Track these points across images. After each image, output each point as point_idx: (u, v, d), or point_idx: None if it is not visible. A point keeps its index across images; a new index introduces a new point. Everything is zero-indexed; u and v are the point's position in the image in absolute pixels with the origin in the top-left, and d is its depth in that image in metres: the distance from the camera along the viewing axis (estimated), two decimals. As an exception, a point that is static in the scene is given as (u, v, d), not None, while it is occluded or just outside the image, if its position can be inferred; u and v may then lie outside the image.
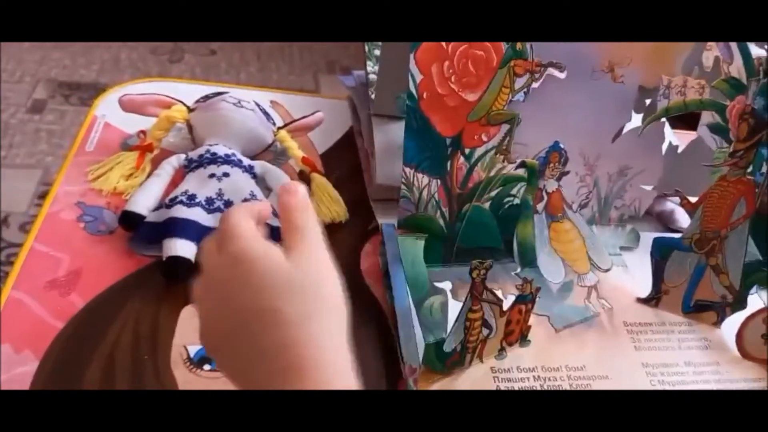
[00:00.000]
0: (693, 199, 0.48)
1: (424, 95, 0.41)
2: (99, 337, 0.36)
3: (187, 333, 0.38)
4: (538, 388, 0.38)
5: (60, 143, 1.41)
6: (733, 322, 0.43)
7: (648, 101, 0.47)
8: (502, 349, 0.40)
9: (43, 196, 1.28)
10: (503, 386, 0.38)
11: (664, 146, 0.49)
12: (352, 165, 0.54)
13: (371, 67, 0.55)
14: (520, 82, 0.43)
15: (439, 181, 0.42)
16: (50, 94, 1.55)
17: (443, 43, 0.41)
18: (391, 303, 0.41)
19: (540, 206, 0.44)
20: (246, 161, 0.47)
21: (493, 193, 0.44)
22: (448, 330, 0.37)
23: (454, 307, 0.38)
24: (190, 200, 0.42)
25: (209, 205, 0.43)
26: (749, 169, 0.43)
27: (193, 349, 0.37)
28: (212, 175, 0.44)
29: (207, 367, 0.36)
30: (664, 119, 0.48)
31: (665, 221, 0.54)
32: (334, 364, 0.25)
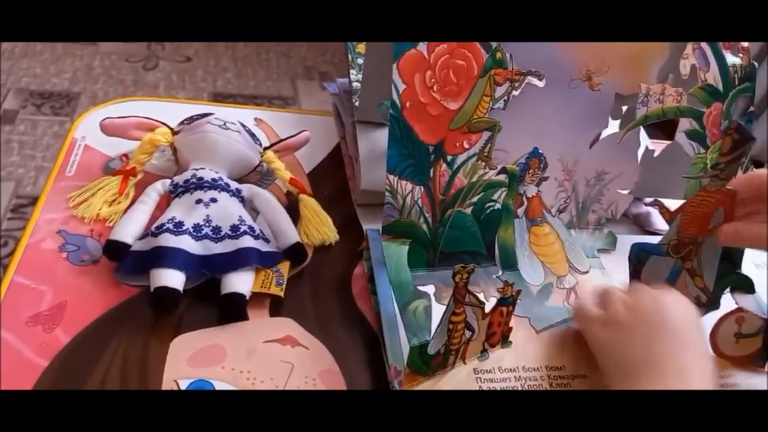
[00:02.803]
0: (669, 203, 0.49)
1: (407, 104, 0.41)
2: (86, 374, 0.35)
3: (177, 366, 0.37)
4: (519, 388, 0.39)
5: (32, 154, 1.38)
6: (708, 322, 0.44)
7: (624, 108, 0.48)
8: (484, 351, 0.41)
9: (15, 209, 1.25)
10: (485, 386, 0.39)
11: (641, 152, 0.50)
12: (339, 183, 0.54)
13: (354, 75, 0.56)
14: (500, 91, 0.44)
15: (422, 188, 0.43)
16: (21, 104, 1.51)
17: (425, 53, 0.42)
18: (376, 308, 0.41)
19: (520, 211, 0.45)
20: (233, 185, 0.46)
21: (475, 199, 0.45)
22: (432, 333, 0.37)
23: (438, 311, 0.39)
24: (177, 228, 0.41)
25: (197, 233, 0.42)
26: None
27: (184, 383, 0.36)
28: (199, 201, 0.43)
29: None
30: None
31: (642, 223, 0.55)
32: None
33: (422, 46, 0.42)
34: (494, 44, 0.44)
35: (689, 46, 0.47)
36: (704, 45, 0.47)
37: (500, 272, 0.44)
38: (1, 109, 1.48)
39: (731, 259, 0.44)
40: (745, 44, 0.48)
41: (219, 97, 1.70)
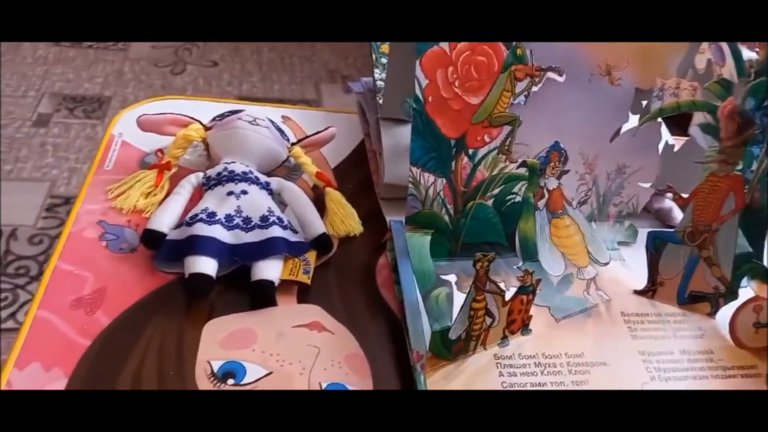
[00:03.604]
0: (686, 195, 0.50)
1: (430, 99, 0.43)
2: (126, 353, 0.37)
3: (210, 348, 0.39)
4: (539, 374, 0.40)
5: (65, 156, 1.43)
6: (727, 311, 0.44)
7: (644, 102, 0.49)
8: (504, 338, 0.42)
9: (50, 208, 1.29)
10: (505, 372, 0.40)
11: (661, 145, 0.51)
12: (363, 178, 0.56)
13: (378, 74, 0.58)
14: (520, 86, 0.45)
15: (444, 180, 0.44)
16: (55, 107, 1.56)
17: (447, 50, 0.43)
18: (399, 296, 0.43)
19: (541, 203, 0.46)
20: (263, 178, 0.48)
21: (495, 191, 0.46)
22: (454, 319, 0.39)
23: (459, 298, 0.40)
24: (210, 218, 0.43)
25: (228, 222, 0.44)
26: (739, 166, 0.44)
27: (217, 364, 0.38)
28: (230, 193, 0.45)
29: (231, 381, 0.37)
30: (660, 119, 0.50)
31: (663, 218, 0.55)
32: None
33: (444, 44, 0.44)
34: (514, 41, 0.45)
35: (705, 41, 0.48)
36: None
37: (521, 263, 0.45)
38: (36, 113, 1.54)
39: (755, 248, 0.45)
40: (763, 39, 0.48)
41: (245, 101, 1.73)
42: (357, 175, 0.56)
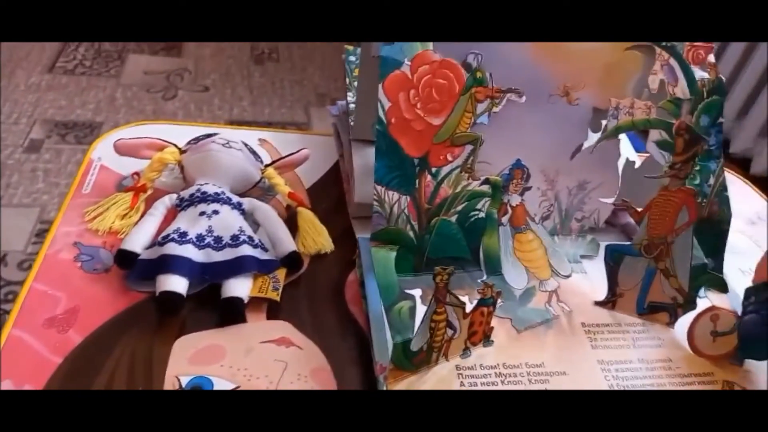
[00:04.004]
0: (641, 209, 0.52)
1: (392, 120, 0.44)
2: (96, 370, 0.39)
3: (179, 364, 0.40)
4: (499, 384, 0.41)
5: (56, 182, 1.44)
6: (685, 321, 0.45)
7: (603, 121, 0.51)
8: (466, 349, 0.43)
9: (40, 234, 1.30)
10: (467, 382, 0.41)
11: (622, 162, 0.52)
12: (337, 198, 0.57)
13: (351, 97, 0.60)
14: (481, 107, 0.47)
15: (408, 198, 0.46)
16: (47, 133, 1.58)
17: (408, 74, 0.45)
18: (365, 310, 0.44)
19: (505, 219, 0.48)
20: (235, 198, 0.49)
21: (459, 208, 0.47)
22: (415, 331, 0.40)
23: (423, 311, 0.41)
24: (182, 237, 0.45)
25: (200, 242, 0.45)
26: (696, 180, 0.46)
27: (185, 379, 0.39)
28: (202, 213, 0.47)
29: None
30: (620, 137, 0.52)
31: (630, 232, 0.57)
32: None
33: (406, 67, 0.45)
34: (474, 64, 0.47)
35: (657, 63, 0.50)
36: (672, 61, 0.50)
37: (485, 276, 0.47)
38: (28, 139, 1.56)
39: (714, 260, 0.46)
40: (713, 59, 0.50)
41: (235, 124, 1.76)
42: (331, 195, 0.58)
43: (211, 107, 1.82)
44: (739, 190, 0.71)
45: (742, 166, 1.56)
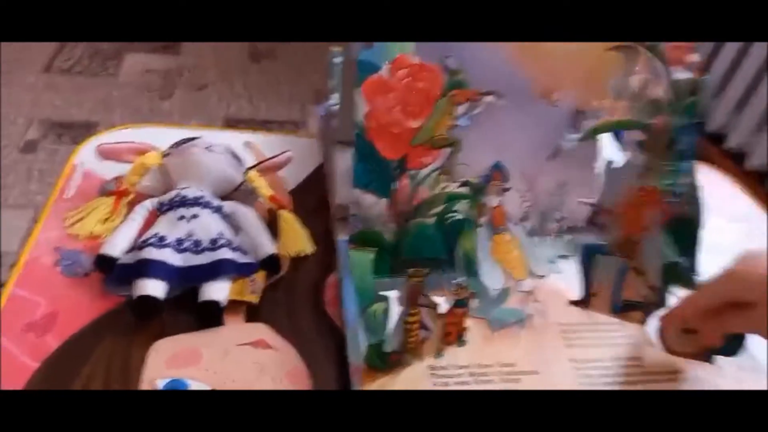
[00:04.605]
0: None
1: (370, 124, 0.45)
2: (73, 374, 0.39)
3: (156, 367, 0.40)
4: (471, 383, 0.41)
5: (52, 182, 1.45)
6: (657, 319, 0.46)
7: (583, 122, 0.51)
8: (440, 350, 0.43)
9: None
10: (439, 381, 0.41)
11: (602, 163, 0.53)
12: (320, 200, 0.57)
13: (335, 99, 0.60)
14: (461, 110, 0.47)
15: (386, 200, 0.46)
16: (43, 134, 1.59)
17: (387, 77, 0.45)
18: (342, 311, 0.44)
19: (483, 220, 0.48)
20: (215, 202, 0.50)
21: (437, 210, 0.48)
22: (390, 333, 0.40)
23: (398, 313, 0.42)
24: (160, 242, 0.45)
25: (179, 246, 0.46)
26: (668, 180, 0.47)
27: (162, 382, 0.39)
28: (182, 217, 0.47)
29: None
30: (600, 138, 0.52)
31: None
32: None
33: (384, 71, 0.46)
34: (453, 67, 0.47)
35: (640, 63, 0.50)
36: (654, 61, 0.50)
37: (462, 278, 0.47)
38: (24, 140, 1.56)
39: (688, 259, 0.46)
40: (694, 60, 0.51)
41: (232, 122, 1.76)
42: (314, 197, 0.58)
43: (208, 105, 1.83)
44: (725, 189, 0.71)
45: (737, 161, 1.56)
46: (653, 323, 0.47)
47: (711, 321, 0.40)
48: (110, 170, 0.54)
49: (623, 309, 0.48)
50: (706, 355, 0.45)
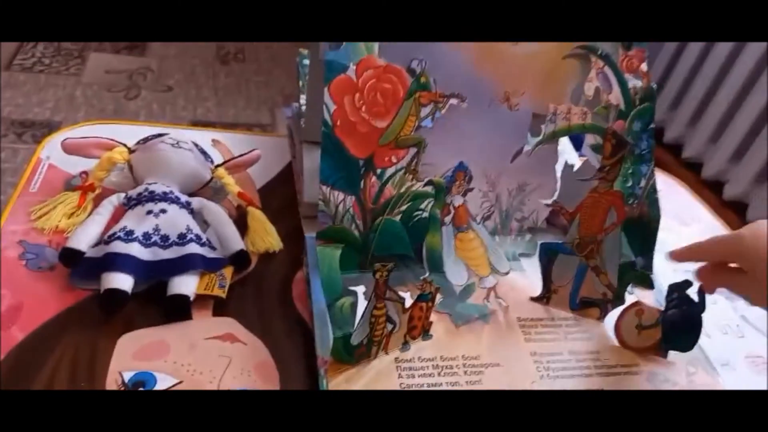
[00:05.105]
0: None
1: (338, 122, 0.46)
2: (38, 366, 0.39)
3: (122, 360, 0.40)
4: (436, 375, 0.43)
5: (12, 182, 1.41)
6: (613, 316, 0.48)
7: (542, 126, 0.53)
8: (405, 343, 0.45)
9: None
10: (404, 374, 0.43)
11: (561, 165, 0.55)
12: (288, 197, 0.58)
13: (303, 99, 0.61)
14: (425, 111, 0.48)
15: (353, 197, 0.47)
16: (3, 132, 1.55)
17: (353, 77, 0.46)
18: (310, 306, 0.45)
19: (447, 219, 0.50)
20: (183, 198, 0.50)
21: (403, 208, 0.49)
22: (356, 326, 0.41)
23: (364, 307, 0.43)
24: (128, 236, 0.45)
25: (146, 240, 0.46)
26: (628, 183, 0.49)
27: (128, 374, 0.40)
28: (150, 212, 0.47)
29: (140, 389, 0.39)
30: (560, 141, 0.54)
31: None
32: None
33: (351, 72, 0.47)
34: (418, 69, 0.49)
35: (593, 71, 0.53)
36: (607, 69, 0.53)
37: (427, 274, 0.49)
38: (-17, 138, 1.52)
39: (644, 258, 0.49)
40: (645, 68, 0.53)
41: (198, 125, 1.75)
42: (282, 194, 0.59)
43: (175, 107, 1.81)
44: (681, 195, 0.75)
45: (695, 170, 1.62)
46: (610, 319, 0.49)
47: (711, 273, 0.43)
48: (76, 165, 0.54)
49: (581, 306, 0.50)
50: (659, 349, 0.47)
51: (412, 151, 0.50)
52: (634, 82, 0.53)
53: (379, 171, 0.49)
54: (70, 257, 0.45)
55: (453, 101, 0.51)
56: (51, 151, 0.56)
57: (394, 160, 0.49)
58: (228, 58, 2.07)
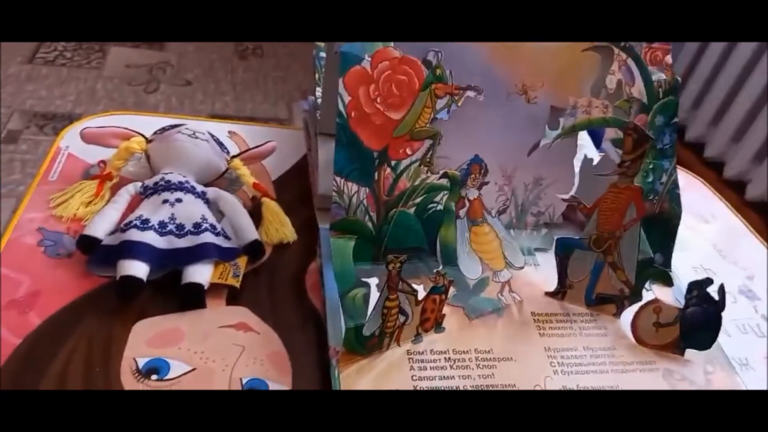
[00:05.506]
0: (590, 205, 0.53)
1: (353, 114, 0.46)
2: (54, 351, 0.39)
3: (137, 346, 0.41)
4: (448, 368, 0.42)
5: (33, 173, 1.44)
6: (630, 312, 0.47)
7: (561, 120, 0.53)
8: (418, 335, 0.44)
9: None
10: (416, 366, 0.42)
11: (580, 159, 0.54)
12: (303, 190, 0.58)
13: (319, 92, 0.61)
14: (441, 103, 0.48)
15: (367, 189, 0.47)
16: (25, 124, 1.58)
17: (368, 69, 0.46)
18: (323, 296, 0.45)
19: (462, 212, 0.49)
20: (199, 188, 0.50)
21: (418, 200, 0.49)
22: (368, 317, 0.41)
23: (377, 298, 0.42)
24: (144, 224, 0.46)
25: (162, 229, 0.46)
26: (649, 178, 0.48)
27: (142, 361, 0.40)
28: (165, 201, 0.48)
29: (154, 377, 0.39)
30: (579, 135, 0.54)
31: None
32: None
33: (366, 63, 0.47)
34: (434, 61, 0.49)
35: (616, 63, 0.52)
36: (630, 62, 0.52)
37: (441, 267, 0.48)
38: (5, 130, 1.55)
39: (663, 255, 0.48)
40: (669, 60, 0.52)
41: (217, 119, 1.75)
42: (297, 186, 0.59)
43: (193, 101, 1.82)
44: (702, 193, 0.73)
45: (716, 169, 1.59)
46: (627, 315, 0.48)
47: None
48: (94, 155, 0.54)
49: (597, 302, 0.50)
50: (676, 347, 0.47)
51: (427, 143, 0.49)
52: (657, 75, 0.52)
53: (393, 163, 0.49)
54: (88, 244, 0.45)
55: (469, 93, 0.50)
56: (70, 140, 0.57)
57: (408, 152, 0.49)
58: (246, 54, 2.08)
